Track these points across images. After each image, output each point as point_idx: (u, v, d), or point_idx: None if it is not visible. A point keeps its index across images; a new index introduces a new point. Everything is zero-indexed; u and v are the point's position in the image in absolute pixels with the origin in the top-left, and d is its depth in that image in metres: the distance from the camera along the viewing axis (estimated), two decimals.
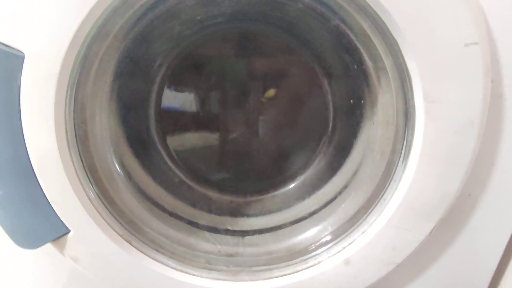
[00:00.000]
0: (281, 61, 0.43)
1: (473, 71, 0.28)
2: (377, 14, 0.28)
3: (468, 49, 0.28)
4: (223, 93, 0.45)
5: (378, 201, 0.36)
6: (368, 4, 0.28)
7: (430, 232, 0.34)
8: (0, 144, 0.30)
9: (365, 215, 0.36)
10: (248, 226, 0.44)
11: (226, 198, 0.46)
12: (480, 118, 0.30)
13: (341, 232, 0.38)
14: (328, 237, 0.39)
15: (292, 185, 0.46)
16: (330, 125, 0.44)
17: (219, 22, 0.39)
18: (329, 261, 0.36)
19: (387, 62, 0.32)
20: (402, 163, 0.33)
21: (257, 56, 0.43)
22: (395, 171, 0.34)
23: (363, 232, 0.35)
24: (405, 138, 0.33)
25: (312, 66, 0.42)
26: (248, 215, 0.45)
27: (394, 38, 0.29)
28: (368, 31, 0.31)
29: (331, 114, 0.43)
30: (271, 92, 0.44)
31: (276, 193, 0.46)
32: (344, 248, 0.36)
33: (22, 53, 0.28)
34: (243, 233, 0.43)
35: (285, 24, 0.39)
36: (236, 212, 0.45)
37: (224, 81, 0.44)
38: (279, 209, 0.45)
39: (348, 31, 0.34)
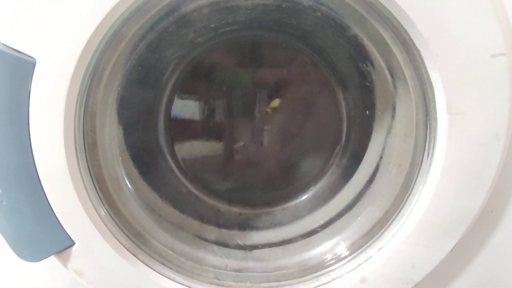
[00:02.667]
0: (294, 70, 0.42)
1: (499, 83, 0.27)
2: (399, 23, 0.28)
3: (494, 60, 0.27)
4: (234, 102, 0.44)
5: (396, 216, 0.34)
6: (391, 13, 0.27)
7: (452, 250, 0.32)
8: (7, 151, 0.29)
9: (382, 230, 0.35)
10: (258, 240, 0.42)
11: (235, 210, 0.45)
12: (506, 131, 0.29)
13: (356, 248, 0.36)
14: (343, 253, 0.37)
15: (303, 197, 0.45)
16: (344, 136, 0.43)
17: (233, 30, 0.38)
18: (343, 279, 0.35)
19: (407, 72, 0.31)
20: (422, 176, 0.32)
21: (270, 65, 0.42)
22: (414, 185, 0.33)
23: (380, 248, 0.34)
24: (426, 151, 0.32)
25: (326, 76, 0.41)
26: (257, 228, 0.43)
27: (416, 48, 0.28)
28: (389, 41, 0.31)
29: (345, 125, 0.42)
30: (276, 102, 0.43)
31: (287, 205, 0.45)
32: (359, 264, 0.35)
33: (34, 59, 0.27)
34: (252, 247, 0.41)
35: (300, 33, 0.39)
36: (245, 224, 0.44)
37: (236, 90, 0.43)
38: (289, 222, 0.44)
39: (366, 41, 0.33)
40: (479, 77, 0.27)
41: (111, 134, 0.36)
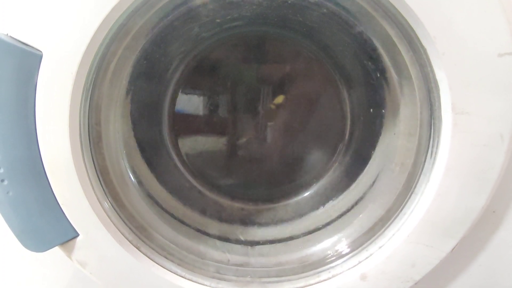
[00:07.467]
0: (299, 66, 0.42)
1: (505, 83, 0.27)
2: (406, 21, 0.27)
3: (501, 60, 0.27)
4: (238, 98, 0.44)
5: (398, 215, 0.34)
6: (398, 11, 0.27)
7: (452, 249, 0.32)
8: (13, 143, 0.29)
9: (383, 229, 0.35)
10: (259, 236, 0.42)
11: (237, 205, 0.45)
12: (510, 131, 0.28)
13: (357, 245, 0.36)
14: (344, 250, 0.37)
15: (306, 194, 0.45)
16: (347, 134, 0.43)
17: (238, 25, 0.38)
18: (344, 275, 0.35)
19: (413, 71, 0.31)
20: (425, 175, 0.32)
21: (274, 61, 0.42)
22: (416, 184, 0.33)
23: (380, 247, 0.34)
24: (429, 150, 0.32)
25: (331, 73, 0.41)
26: (259, 224, 0.44)
27: (423, 47, 0.28)
28: (395, 39, 0.30)
29: (349, 122, 0.42)
30: (280, 98, 0.43)
31: (289, 201, 0.45)
32: (360, 262, 0.35)
33: (41, 52, 0.27)
34: (254, 243, 0.42)
35: (305, 29, 0.38)
36: (247, 220, 0.44)
37: (240, 85, 0.43)
38: (291, 219, 0.44)
39: (372, 38, 0.33)
40: (485, 76, 0.27)
41: (116, 128, 0.36)
